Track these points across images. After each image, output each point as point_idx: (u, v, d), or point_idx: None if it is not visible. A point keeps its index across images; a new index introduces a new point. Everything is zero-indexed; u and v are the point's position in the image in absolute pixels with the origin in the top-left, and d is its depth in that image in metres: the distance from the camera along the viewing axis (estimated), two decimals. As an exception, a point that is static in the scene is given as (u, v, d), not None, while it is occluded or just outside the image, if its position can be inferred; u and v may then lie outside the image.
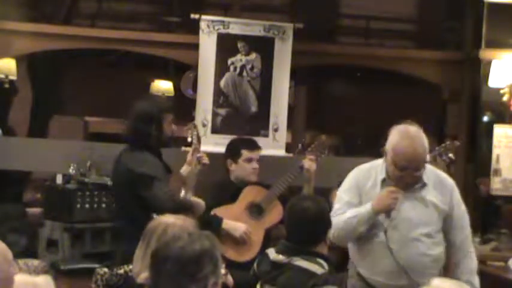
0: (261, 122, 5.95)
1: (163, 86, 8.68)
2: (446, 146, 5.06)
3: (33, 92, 8.15)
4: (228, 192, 4.90)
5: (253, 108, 5.97)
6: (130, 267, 3.22)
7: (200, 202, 4.38)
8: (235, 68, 5.93)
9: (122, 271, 3.32)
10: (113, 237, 5.56)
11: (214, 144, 5.39)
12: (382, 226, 3.70)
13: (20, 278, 2.44)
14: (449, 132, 7.20)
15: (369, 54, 6.64)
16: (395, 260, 3.68)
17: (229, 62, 5.93)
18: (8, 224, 5.75)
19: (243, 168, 4.93)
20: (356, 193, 3.80)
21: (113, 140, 5.48)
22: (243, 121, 5.93)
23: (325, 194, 4.83)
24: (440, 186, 3.79)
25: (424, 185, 3.74)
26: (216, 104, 5.91)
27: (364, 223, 3.70)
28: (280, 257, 3.37)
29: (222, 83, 5.92)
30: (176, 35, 6.44)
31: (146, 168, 4.21)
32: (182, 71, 6.70)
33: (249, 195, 4.90)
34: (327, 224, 3.47)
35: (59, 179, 5.97)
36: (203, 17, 5.91)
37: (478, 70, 6.30)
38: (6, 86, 6.97)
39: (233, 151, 4.98)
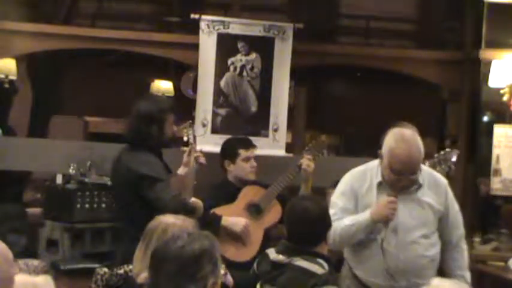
0: (261, 122, 5.95)
1: (163, 86, 8.68)
2: (446, 153, 5.04)
3: (33, 92, 8.14)
4: (227, 192, 4.91)
5: (253, 108, 5.96)
6: (130, 267, 3.22)
7: (199, 203, 4.39)
8: (235, 68, 5.93)
9: (122, 271, 3.32)
10: (113, 237, 5.56)
11: (214, 144, 5.38)
12: (379, 231, 3.70)
13: (20, 278, 2.44)
14: (449, 132, 7.21)
15: (369, 54, 6.64)
16: (393, 262, 3.69)
17: (229, 62, 5.92)
18: (8, 224, 5.74)
19: (241, 167, 4.93)
20: (351, 197, 3.80)
21: (113, 140, 5.48)
22: (243, 121, 5.92)
23: (321, 194, 4.84)
24: (434, 186, 3.80)
25: (419, 186, 3.74)
26: (216, 104, 5.91)
27: (362, 231, 3.71)
28: (281, 257, 3.37)
29: (222, 83, 5.92)
30: (176, 35, 6.44)
31: (149, 169, 4.20)
32: (182, 71, 6.70)
33: (247, 195, 4.91)
34: (327, 224, 3.47)
35: (59, 179, 5.96)
36: (203, 17, 5.91)
37: (478, 70, 6.29)
38: (6, 86, 6.97)
39: (230, 151, 4.99)
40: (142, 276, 2.96)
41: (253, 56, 5.94)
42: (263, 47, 5.95)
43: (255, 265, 3.56)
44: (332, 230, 3.65)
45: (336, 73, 8.47)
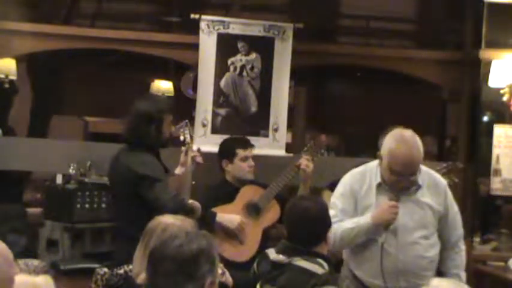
0: (261, 122, 5.95)
1: (163, 86, 8.68)
2: (448, 167, 5.04)
3: (33, 92, 8.14)
4: (225, 192, 4.91)
5: (253, 108, 5.96)
6: (130, 267, 3.22)
7: (197, 204, 4.40)
8: (235, 68, 5.93)
9: (121, 271, 3.33)
10: (113, 237, 5.56)
11: (214, 144, 5.38)
12: (380, 233, 3.70)
13: (20, 278, 2.44)
14: (449, 132, 7.21)
15: (369, 54, 6.64)
16: (393, 263, 3.69)
17: (229, 62, 5.92)
18: (8, 224, 5.74)
19: (239, 167, 4.93)
20: (350, 199, 3.80)
21: (113, 140, 5.48)
22: (243, 121, 5.92)
23: (316, 194, 4.84)
24: (434, 187, 3.80)
25: (418, 187, 3.74)
26: (216, 104, 5.91)
27: (363, 234, 3.71)
28: (281, 257, 3.37)
29: (222, 83, 5.91)
30: (176, 35, 6.44)
31: (148, 169, 4.20)
32: (182, 71, 6.70)
33: (246, 194, 4.91)
34: (328, 224, 3.46)
35: (59, 179, 5.97)
36: (203, 17, 5.91)
37: (478, 70, 6.29)
38: (6, 86, 6.97)
39: (228, 151, 4.99)
40: (142, 277, 2.96)
41: (253, 56, 5.94)
42: (263, 47, 5.95)
43: (254, 265, 3.56)
44: (332, 232, 3.65)
45: (336, 73, 8.48)
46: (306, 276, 3.26)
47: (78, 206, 5.75)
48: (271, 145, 5.91)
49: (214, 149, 5.15)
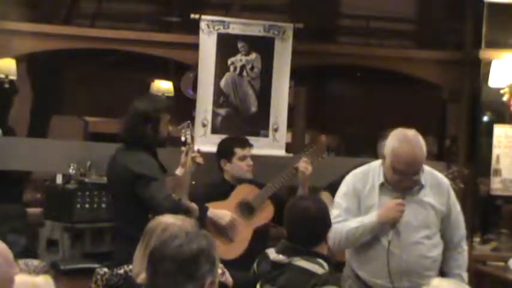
0: (261, 122, 5.95)
1: (163, 86, 8.68)
2: (454, 173, 5.04)
3: (33, 92, 8.14)
4: (221, 191, 4.91)
5: (253, 108, 5.96)
6: (130, 267, 3.22)
7: (194, 206, 4.39)
8: (235, 68, 5.93)
9: (121, 271, 3.33)
10: (113, 237, 5.56)
11: (214, 144, 5.37)
12: (384, 232, 3.69)
13: (20, 278, 2.44)
14: (449, 132, 7.21)
15: (369, 54, 6.64)
16: (397, 263, 3.68)
17: (229, 62, 5.92)
18: (8, 224, 5.74)
19: (238, 166, 4.94)
20: (354, 198, 3.80)
21: (112, 140, 5.48)
22: (243, 121, 5.92)
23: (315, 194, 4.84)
24: (437, 186, 3.80)
25: (421, 187, 3.74)
26: (216, 104, 5.91)
27: (368, 234, 3.71)
28: (281, 257, 3.36)
29: (222, 83, 5.91)
30: (176, 35, 6.44)
31: (144, 168, 4.20)
32: (182, 71, 6.69)
33: (241, 193, 4.91)
34: (327, 224, 3.46)
35: (59, 179, 5.97)
36: (203, 17, 5.91)
37: (478, 70, 6.29)
38: (6, 86, 6.97)
39: (226, 151, 4.99)
40: (142, 276, 2.95)
41: (253, 56, 5.94)
42: (263, 47, 5.95)
43: (254, 265, 3.56)
44: (338, 231, 3.66)
45: (336, 73, 8.47)
46: (306, 276, 3.26)
47: (78, 206, 5.76)
48: (271, 145, 5.91)
49: (214, 149, 5.15)
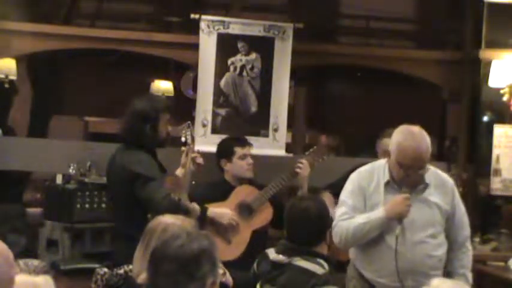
0: (261, 122, 5.95)
1: (163, 86, 8.68)
2: (452, 176, 5.03)
3: (33, 92, 8.14)
4: (221, 191, 4.91)
5: (253, 108, 5.96)
6: (131, 267, 3.22)
7: (195, 207, 4.37)
8: (235, 68, 5.93)
9: (121, 271, 3.32)
10: (113, 237, 5.56)
11: (214, 144, 5.37)
12: (389, 230, 3.69)
13: (20, 278, 2.44)
14: (449, 132, 7.21)
15: (369, 54, 6.64)
16: (402, 262, 3.67)
17: (229, 62, 5.92)
18: (8, 224, 5.75)
19: (238, 165, 4.93)
20: (360, 196, 3.78)
21: (113, 140, 5.48)
22: (243, 121, 5.92)
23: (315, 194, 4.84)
24: (441, 186, 3.80)
25: (426, 185, 3.74)
26: (216, 104, 5.91)
27: (376, 229, 3.69)
28: (281, 257, 3.37)
29: (222, 83, 5.91)
30: (176, 35, 6.44)
31: (142, 168, 4.19)
32: (182, 71, 6.71)
33: (240, 194, 4.91)
34: (327, 224, 3.47)
35: (59, 179, 5.97)
36: (203, 17, 5.91)
37: (478, 70, 6.30)
38: (6, 86, 6.97)
39: (226, 150, 4.99)
40: (142, 277, 2.95)
41: (253, 56, 5.94)
42: (263, 47, 5.95)
43: (254, 265, 3.56)
44: (344, 228, 3.65)
45: (336, 73, 8.47)
46: (306, 276, 3.26)
47: (78, 206, 5.76)
48: (271, 145, 5.91)
49: (214, 149, 5.14)
